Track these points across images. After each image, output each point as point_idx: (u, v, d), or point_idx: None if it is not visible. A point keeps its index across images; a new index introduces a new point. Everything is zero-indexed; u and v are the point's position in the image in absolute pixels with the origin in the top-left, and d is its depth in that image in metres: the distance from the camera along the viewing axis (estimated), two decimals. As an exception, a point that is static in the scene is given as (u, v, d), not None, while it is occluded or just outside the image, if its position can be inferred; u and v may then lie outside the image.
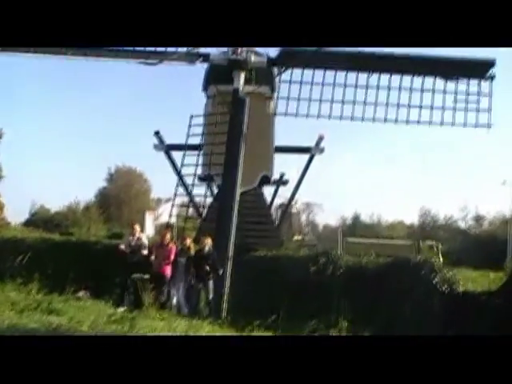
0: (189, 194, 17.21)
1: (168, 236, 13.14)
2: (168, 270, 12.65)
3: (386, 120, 17.50)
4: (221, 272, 12.48)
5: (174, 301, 12.38)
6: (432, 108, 17.19)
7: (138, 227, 13.71)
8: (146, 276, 12.51)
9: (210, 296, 12.15)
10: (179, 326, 8.68)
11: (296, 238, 36.19)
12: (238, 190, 14.24)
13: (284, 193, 25.18)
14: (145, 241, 13.35)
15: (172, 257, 12.66)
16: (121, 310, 11.21)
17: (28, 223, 41.87)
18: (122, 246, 13.13)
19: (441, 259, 15.74)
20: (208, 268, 12.18)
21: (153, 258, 12.88)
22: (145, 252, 13.10)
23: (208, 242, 12.47)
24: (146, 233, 19.77)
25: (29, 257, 12.64)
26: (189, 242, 12.95)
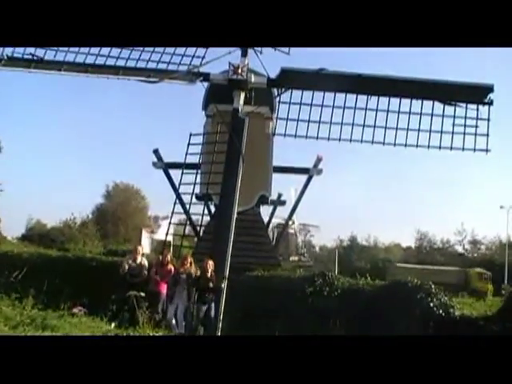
0: (186, 212, 17.22)
1: (168, 257, 13.22)
2: (164, 289, 12.72)
3: (384, 143, 17.55)
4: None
5: (173, 320, 12.34)
6: (430, 131, 17.25)
7: (140, 250, 13.79)
8: (142, 294, 12.53)
9: (212, 317, 12.13)
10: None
11: (292, 258, 36.14)
12: (236, 210, 14.27)
13: (281, 213, 25.25)
14: (145, 263, 13.41)
15: (170, 275, 12.74)
16: (113, 325, 11.19)
17: (24, 238, 41.80)
18: (126, 267, 13.20)
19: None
20: (211, 290, 12.26)
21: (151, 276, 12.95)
22: (145, 273, 13.18)
23: (211, 265, 12.44)
24: (143, 251, 19.74)
25: (24, 272, 12.58)
26: (189, 260, 12.96)
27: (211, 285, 12.27)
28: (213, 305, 12.26)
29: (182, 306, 12.48)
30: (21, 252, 17.80)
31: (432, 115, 17.18)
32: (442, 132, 17.17)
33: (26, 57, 16.53)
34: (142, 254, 13.85)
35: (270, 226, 25.67)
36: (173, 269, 12.90)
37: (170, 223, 16.71)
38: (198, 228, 18.76)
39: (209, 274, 12.35)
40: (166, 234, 16.59)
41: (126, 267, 13.19)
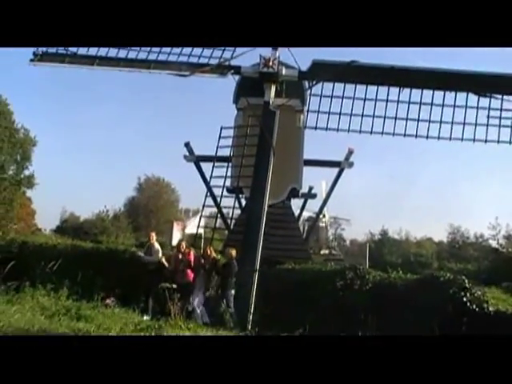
0: (217, 205, 17.31)
1: (183, 244, 13.46)
2: (192, 279, 12.93)
3: (416, 135, 17.37)
4: (249, 283, 12.65)
5: (198, 310, 12.52)
6: (464, 124, 17.00)
7: (153, 235, 14.10)
8: (174, 286, 12.69)
9: (231, 306, 12.29)
10: (206, 337, 8.74)
11: (323, 252, 36.05)
12: (266, 203, 14.29)
13: (312, 206, 25.18)
14: (157, 247, 13.67)
15: (192, 263, 12.99)
16: (147, 318, 11.34)
17: (58, 230, 42.55)
18: (141, 254, 13.61)
19: None
20: (228, 278, 12.50)
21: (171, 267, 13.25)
22: (159, 257, 13.42)
23: (233, 254, 12.77)
24: (174, 243, 19.97)
25: (59, 263, 12.82)
26: (209, 251, 13.18)
27: (232, 272, 12.55)
28: (232, 292, 12.40)
29: (201, 295, 12.71)
30: (55, 244, 18.11)
31: (466, 107, 16.93)
32: (476, 124, 16.92)
33: (59, 51, 16.82)
34: (156, 239, 14.12)
35: (301, 219, 25.65)
36: (192, 254, 13.19)
37: (201, 216, 16.83)
38: (229, 221, 18.86)
39: (230, 261, 12.62)
40: (197, 227, 16.71)
41: (139, 253, 13.86)
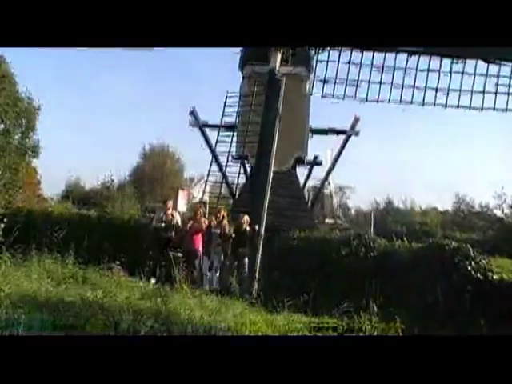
0: (222, 172, 17.32)
1: (201, 211, 13.43)
2: (200, 246, 12.93)
3: (424, 103, 17.22)
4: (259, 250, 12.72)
5: (208, 274, 12.60)
6: (472, 92, 16.83)
7: (170, 203, 14.01)
8: (179, 254, 12.74)
9: (245, 274, 12.36)
10: (211, 304, 8.81)
11: (328, 220, 36.05)
12: (272, 170, 14.24)
13: (317, 175, 25.11)
14: (177, 218, 13.63)
15: (203, 231, 12.98)
16: (152, 282, 11.43)
17: (63, 198, 42.64)
18: (154, 222, 13.54)
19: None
20: (245, 246, 12.51)
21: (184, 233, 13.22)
22: (177, 226, 13.44)
23: (246, 220, 12.78)
24: (179, 210, 20.00)
25: (65, 230, 12.90)
26: (223, 213, 13.20)
27: (245, 239, 12.50)
28: (246, 260, 12.47)
29: (216, 261, 12.76)
30: (61, 212, 18.21)
31: (475, 75, 16.74)
32: (484, 92, 16.75)
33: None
34: (173, 208, 14.08)
35: (306, 187, 25.59)
36: (206, 222, 13.15)
37: (206, 182, 16.88)
38: (234, 188, 18.88)
39: (243, 228, 12.61)
40: (203, 194, 16.75)
41: (154, 221, 13.55)
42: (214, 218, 13.39)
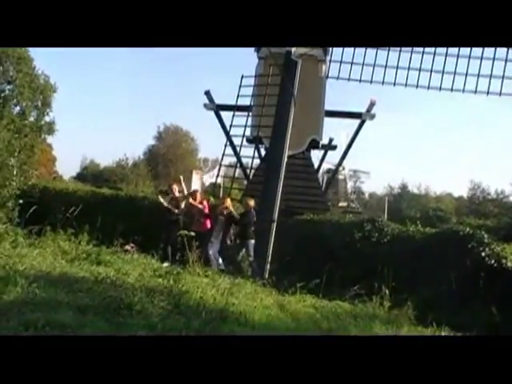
0: (237, 155, 17.29)
1: (198, 196, 13.58)
2: (208, 228, 13.09)
3: (441, 88, 17.04)
4: (267, 231, 12.79)
5: (215, 255, 12.72)
6: (491, 77, 16.62)
7: (175, 187, 14.20)
8: (192, 233, 12.77)
9: (251, 256, 12.44)
10: (222, 284, 8.85)
11: (341, 204, 35.99)
12: (286, 153, 14.20)
13: (332, 158, 25.03)
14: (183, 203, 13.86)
15: (206, 211, 13.11)
16: (166, 265, 11.49)
17: (78, 177, 42.96)
18: (165, 203, 13.78)
19: None
20: (247, 228, 12.64)
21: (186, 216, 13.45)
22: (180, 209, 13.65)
23: (250, 204, 12.87)
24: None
25: (79, 209, 12.98)
26: (228, 202, 13.30)
27: (250, 222, 12.83)
28: (252, 242, 12.54)
29: (216, 244, 12.87)
30: (75, 190, 18.32)
31: (494, 59, 16.53)
32: (503, 77, 16.54)
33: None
34: (179, 191, 14.20)
35: (320, 171, 25.52)
36: (206, 203, 13.33)
37: (220, 165, 16.85)
38: (248, 171, 18.87)
39: (247, 211, 12.78)
40: (216, 176, 16.77)
41: (165, 203, 13.98)
42: (220, 204, 13.51)
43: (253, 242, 12.69)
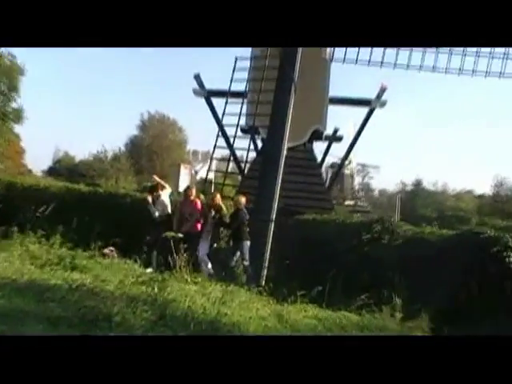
0: (230, 146, 17.27)
1: (193, 192, 13.48)
2: (199, 229, 13.04)
3: (460, 71, 17.05)
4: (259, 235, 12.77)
5: (205, 259, 12.68)
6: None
7: (162, 185, 14.08)
8: (180, 235, 12.78)
9: (246, 260, 12.41)
10: (213, 291, 8.85)
11: (348, 202, 36.10)
12: (286, 145, 14.18)
13: (337, 151, 25.02)
14: (164, 198, 13.69)
15: (199, 212, 13.06)
16: (150, 270, 11.49)
17: (50, 171, 42.90)
18: (150, 202, 13.65)
19: None
20: (240, 229, 12.60)
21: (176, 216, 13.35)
22: (167, 210, 13.53)
23: (242, 202, 12.84)
24: (181, 189, 20.03)
25: (52, 208, 12.94)
26: (217, 199, 13.24)
27: (242, 222, 12.72)
28: (246, 245, 12.52)
29: (205, 245, 12.84)
30: (47, 186, 18.25)
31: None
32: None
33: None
34: (161, 188, 14.10)
35: (324, 165, 25.59)
36: (199, 202, 13.23)
37: (211, 159, 16.84)
38: (243, 165, 18.86)
39: (239, 210, 12.75)
40: (207, 171, 16.73)
41: (150, 201, 13.74)
42: (211, 201, 13.44)
43: (248, 243, 12.65)
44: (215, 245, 13.17)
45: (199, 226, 13.15)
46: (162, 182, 14.26)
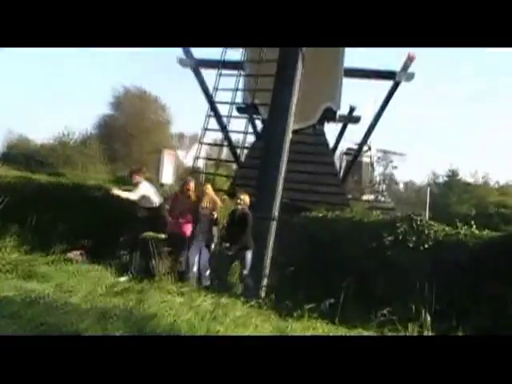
0: (223, 129, 17.25)
1: (191, 185, 13.30)
2: (188, 230, 12.92)
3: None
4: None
5: (194, 268, 12.60)
6: None
7: (139, 172, 13.79)
8: (162, 235, 12.75)
9: (246, 269, 12.36)
10: (203, 305, 8.86)
11: (366, 197, 36.12)
12: (291, 127, 14.16)
13: (353, 134, 24.98)
14: (144, 190, 13.42)
15: (191, 213, 12.95)
16: (125, 278, 11.49)
17: (3, 158, 42.78)
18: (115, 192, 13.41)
19: None
20: (244, 233, 12.49)
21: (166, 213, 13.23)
22: (150, 203, 13.41)
23: (246, 201, 12.70)
24: (163, 181, 20.00)
25: (4, 203, 12.92)
26: (210, 191, 13.16)
27: (245, 224, 12.52)
28: (248, 254, 12.45)
29: (205, 250, 12.76)
30: (-2, 176, 18.20)
31: None
32: None
33: None
34: (143, 176, 13.77)
35: (338, 151, 25.57)
36: (197, 201, 13.12)
37: (200, 143, 16.79)
38: (239, 151, 18.85)
39: (241, 210, 12.61)
40: (195, 158, 16.70)
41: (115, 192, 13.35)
42: (201, 195, 13.30)
43: (251, 252, 12.53)
44: (209, 251, 13.03)
45: (188, 227, 13.02)
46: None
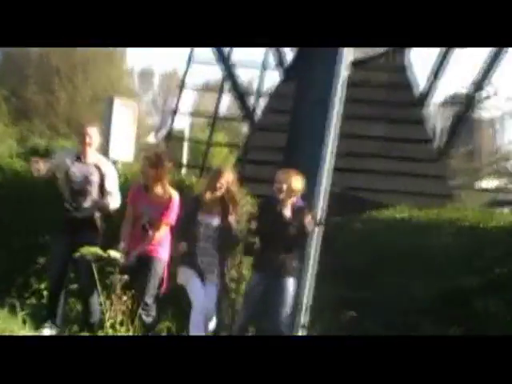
0: (223, 60, 17.24)
1: (230, 178, 12.60)
2: (164, 251, 12.51)
3: None
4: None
5: (192, 317, 12.49)
6: None
7: (92, 137, 13.17)
8: (113, 254, 12.37)
9: (287, 308, 12.15)
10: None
11: (485, 184, 35.86)
12: (349, 58, 14.06)
13: (462, 69, 24.92)
14: (103, 168, 13.03)
15: (173, 218, 12.46)
16: (48, 332, 11.52)
17: None
18: (43, 170, 12.83)
19: None
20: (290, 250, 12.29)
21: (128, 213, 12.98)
22: (105, 198, 13.09)
23: (296, 187, 12.08)
24: (115, 155, 19.49)
25: None
26: (228, 177, 12.56)
27: (290, 235, 12.29)
28: (290, 282, 12.28)
29: (211, 285, 12.47)
30: None
31: None
32: None
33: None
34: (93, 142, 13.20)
35: (432, 100, 25.41)
36: (176, 199, 12.62)
37: (181, 87, 16.73)
38: (253, 100, 18.78)
39: (288, 211, 12.35)
40: (173, 114, 16.59)
41: (44, 170, 12.64)
42: (207, 188, 12.87)
43: (291, 281, 12.19)
44: (214, 283, 12.66)
45: (165, 244, 12.57)
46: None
